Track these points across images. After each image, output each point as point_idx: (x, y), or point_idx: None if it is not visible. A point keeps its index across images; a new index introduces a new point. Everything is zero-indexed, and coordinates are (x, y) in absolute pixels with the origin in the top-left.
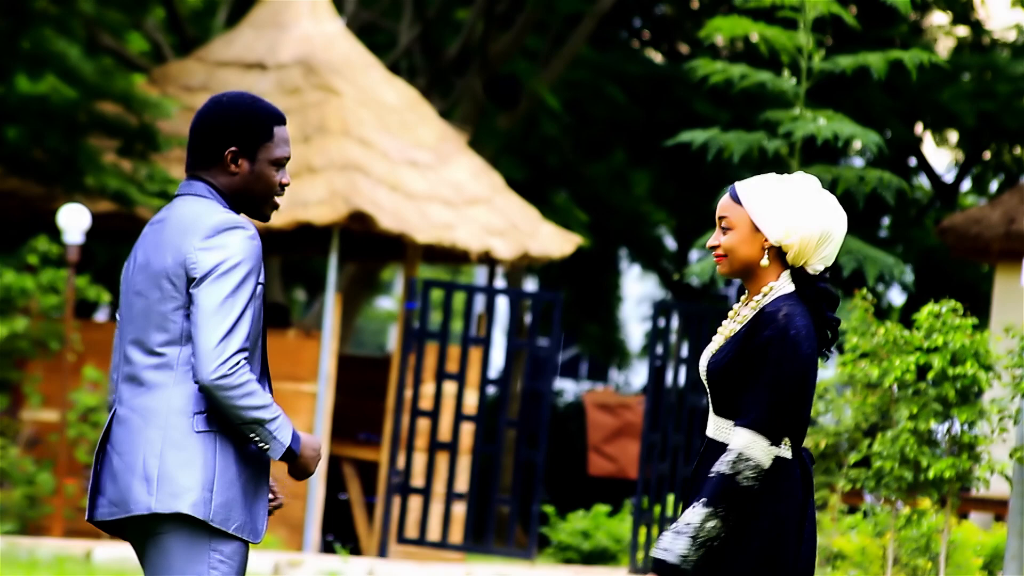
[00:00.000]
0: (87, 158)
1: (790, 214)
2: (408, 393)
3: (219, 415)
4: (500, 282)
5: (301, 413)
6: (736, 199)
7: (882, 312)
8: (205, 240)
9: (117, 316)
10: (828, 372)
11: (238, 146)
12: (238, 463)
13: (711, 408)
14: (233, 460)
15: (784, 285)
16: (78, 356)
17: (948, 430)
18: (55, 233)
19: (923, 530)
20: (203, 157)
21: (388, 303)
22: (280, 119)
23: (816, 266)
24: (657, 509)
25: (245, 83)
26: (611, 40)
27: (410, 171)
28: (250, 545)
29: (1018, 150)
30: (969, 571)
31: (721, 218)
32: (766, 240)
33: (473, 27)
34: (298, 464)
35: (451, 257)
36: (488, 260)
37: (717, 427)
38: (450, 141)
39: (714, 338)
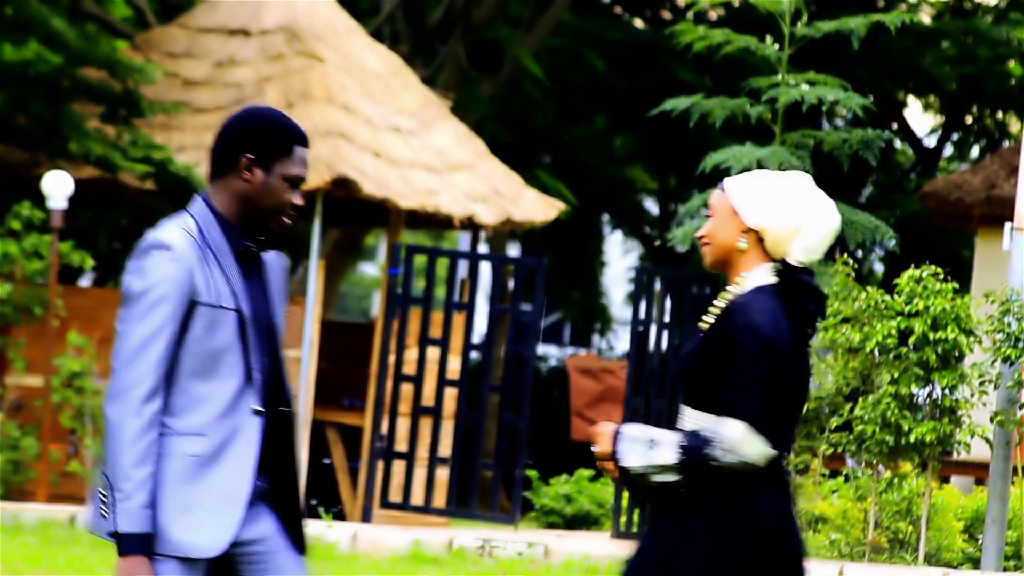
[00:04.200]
0: (71, 124)
1: (768, 199)
2: (391, 358)
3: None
4: (483, 248)
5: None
6: (723, 190)
7: (863, 278)
8: (131, 263)
9: None
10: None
11: (255, 155)
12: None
13: (683, 398)
14: (172, 479)
15: (760, 277)
16: (62, 321)
17: (929, 394)
18: (39, 199)
19: (904, 494)
20: (221, 161)
21: (371, 269)
22: (302, 140)
23: (798, 257)
24: None
25: (228, 49)
26: (593, 6)
27: (393, 137)
28: None
29: (999, 115)
30: (950, 534)
31: (709, 207)
32: (743, 223)
33: None
34: (121, 565)
35: (434, 223)
36: (471, 226)
37: (692, 420)
38: (433, 107)
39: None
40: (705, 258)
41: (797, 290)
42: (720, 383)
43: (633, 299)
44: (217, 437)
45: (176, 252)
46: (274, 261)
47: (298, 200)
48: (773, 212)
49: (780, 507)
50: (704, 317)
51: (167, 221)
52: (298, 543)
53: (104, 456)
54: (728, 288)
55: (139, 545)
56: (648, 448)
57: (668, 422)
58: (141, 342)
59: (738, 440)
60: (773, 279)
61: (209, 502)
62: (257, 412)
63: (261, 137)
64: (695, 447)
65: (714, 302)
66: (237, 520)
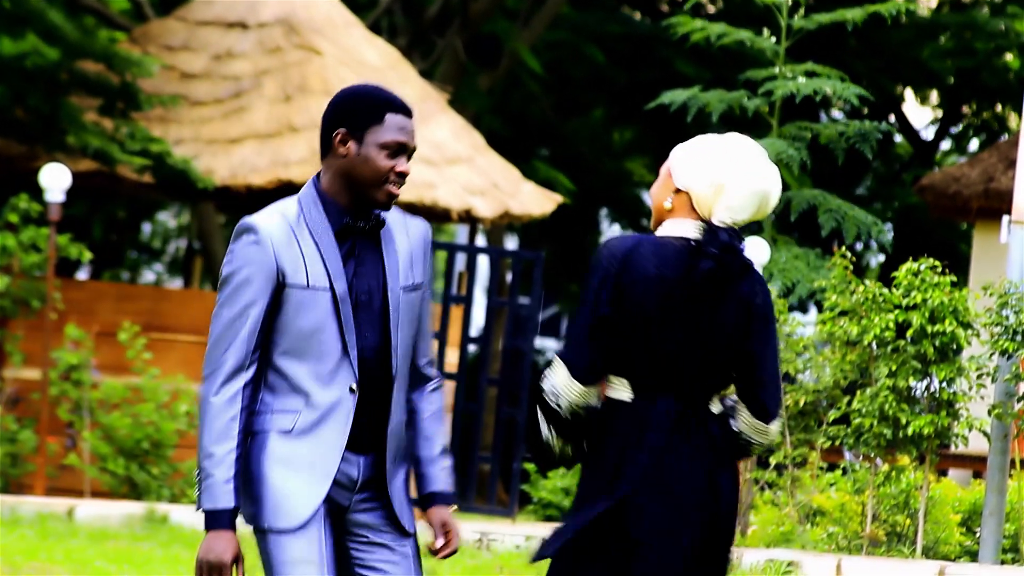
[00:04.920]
0: (68, 117)
1: (697, 160)
2: None
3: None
4: (481, 241)
5: None
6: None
7: (861, 271)
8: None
9: None
10: (808, 330)
11: (346, 128)
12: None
13: None
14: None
15: (671, 228)
16: (60, 314)
17: (927, 387)
18: (37, 192)
19: (902, 487)
20: (323, 143)
21: None
22: (397, 107)
23: (721, 217)
24: None
25: (226, 42)
26: (591, 0)
27: None
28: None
29: (997, 108)
30: (948, 527)
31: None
32: (673, 184)
33: None
34: (203, 541)
35: (432, 216)
36: (469, 219)
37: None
38: (431, 101)
39: None
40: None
41: (720, 248)
42: None
43: None
44: (312, 415)
45: (261, 235)
46: (406, 232)
47: (402, 167)
48: (698, 173)
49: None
50: None
51: (274, 204)
52: (403, 525)
53: (199, 435)
54: None
55: (220, 520)
56: (543, 418)
57: None
58: (226, 324)
59: (554, 375)
60: (691, 234)
61: (298, 475)
62: (352, 390)
63: (350, 110)
64: (535, 402)
65: None
66: (322, 493)
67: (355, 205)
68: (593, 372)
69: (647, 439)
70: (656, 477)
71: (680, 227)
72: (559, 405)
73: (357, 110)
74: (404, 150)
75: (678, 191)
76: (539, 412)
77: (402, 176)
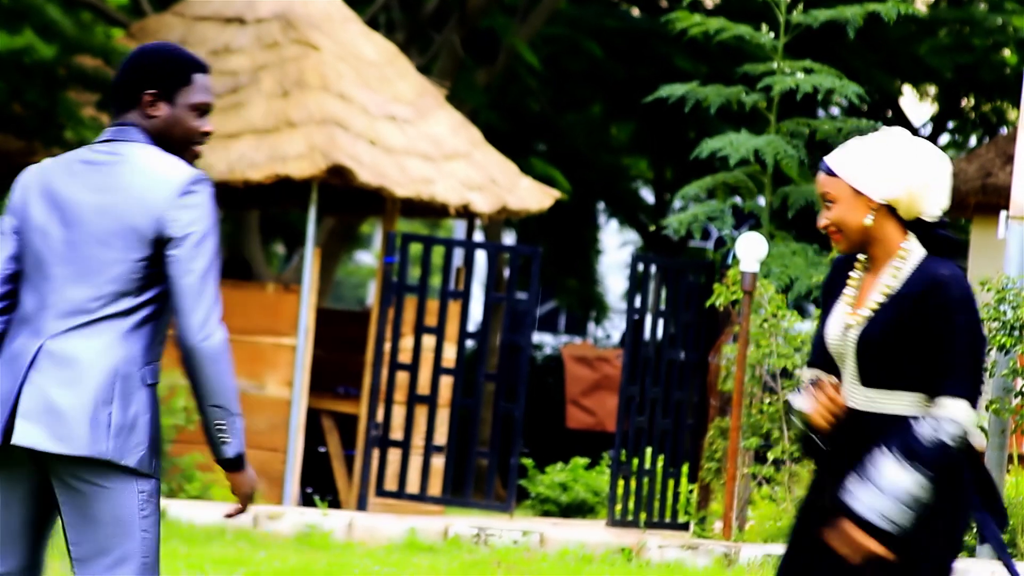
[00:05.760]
0: (66, 112)
1: (887, 168)
2: (387, 347)
3: (157, 371)
4: (479, 236)
5: (280, 367)
6: (830, 172)
7: None
8: (181, 197)
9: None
10: (805, 325)
11: (157, 89)
12: (158, 413)
13: (855, 378)
14: (157, 410)
15: (916, 244)
16: None
17: None
18: None
19: None
20: (125, 101)
21: (367, 257)
22: (201, 67)
23: (933, 213)
24: (635, 462)
25: (223, 38)
26: None
27: (389, 125)
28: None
29: (995, 103)
30: None
31: (823, 196)
32: (871, 201)
33: None
34: (242, 477)
35: (430, 211)
36: (467, 214)
37: (870, 399)
38: (429, 96)
39: (839, 308)
40: (838, 245)
41: (942, 247)
42: (917, 359)
43: (628, 287)
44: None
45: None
46: None
47: (207, 127)
48: (899, 181)
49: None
50: (873, 297)
51: (156, 153)
52: None
53: (210, 391)
54: (890, 262)
55: (242, 460)
56: (884, 495)
57: (663, 411)
58: (217, 278)
59: (964, 418)
60: (918, 242)
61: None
62: None
63: (160, 70)
64: (930, 451)
65: (856, 276)
66: None
67: None
68: None
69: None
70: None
71: (916, 241)
72: (961, 441)
73: (166, 71)
74: (208, 110)
75: (877, 206)
76: (951, 457)
77: (207, 135)
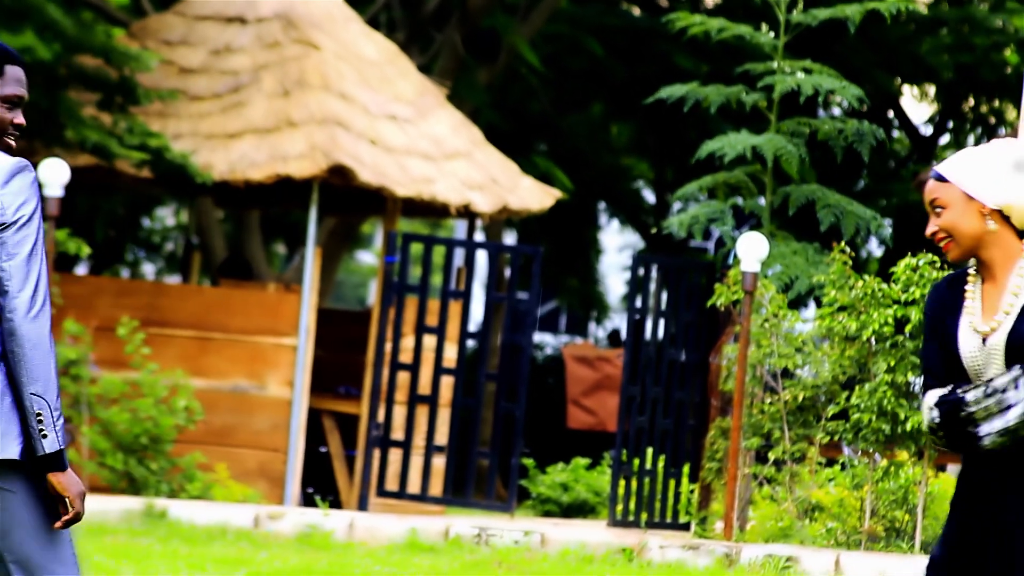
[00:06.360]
0: (67, 112)
1: (1001, 175)
2: (388, 347)
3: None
4: (479, 236)
5: (281, 367)
6: (941, 178)
7: (860, 266)
8: (5, 186)
9: None
10: (806, 326)
11: None
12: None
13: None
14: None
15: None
16: (58, 309)
17: None
18: None
19: (901, 482)
20: None
21: (368, 257)
22: (11, 59)
23: None
24: (636, 462)
25: (224, 37)
26: None
27: (390, 125)
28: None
29: (996, 103)
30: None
31: (932, 202)
32: (983, 206)
33: None
34: (65, 478)
35: (431, 211)
36: (468, 214)
37: None
38: (429, 95)
39: (966, 323)
40: (950, 253)
41: None
42: None
43: (629, 288)
44: None
45: (35, 172)
46: None
47: (18, 119)
48: (1011, 186)
49: None
50: (1006, 300)
51: None
52: None
53: (32, 376)
54: (1021, 266)
55: (61, 458)
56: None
57: (664, 411)
58: (42, 262)
59: None
60: None
61: None
62: None
63: None
64: None
65: (972, 281)
66: None
67: None
68: None
69: None
70: None
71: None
72: None
73: None
74: (22, 102)
75: (993, 211)
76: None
77: (18, 128)
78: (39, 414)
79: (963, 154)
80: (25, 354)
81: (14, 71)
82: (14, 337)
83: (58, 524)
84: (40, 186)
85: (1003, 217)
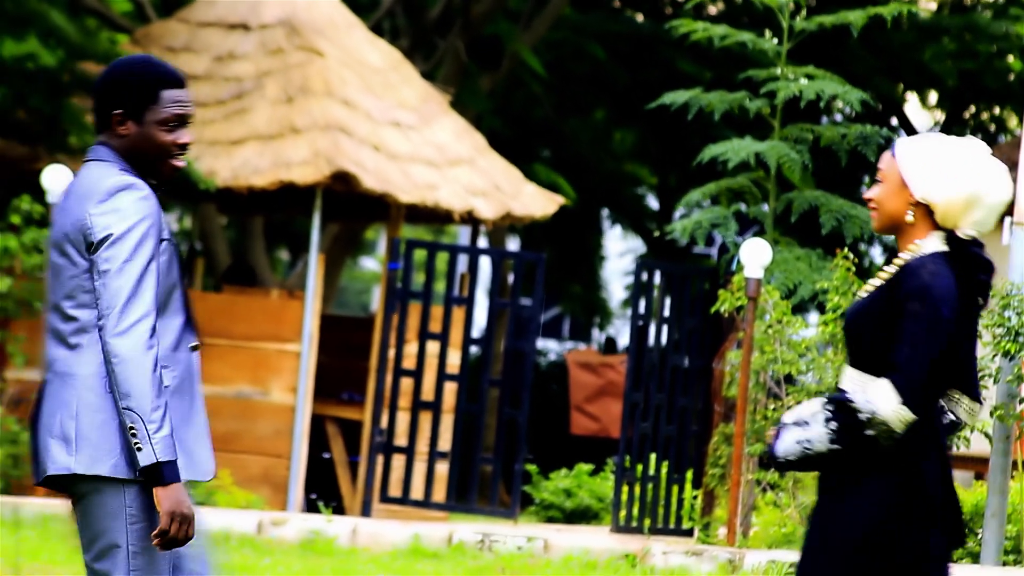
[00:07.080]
0: (70, 118)
1: (938, 172)
2: (391, 353)
3: None
4: (483, 242)
5: (285, 373)
6: (894, 154)
7: (864, 271)
8: (99, 204)
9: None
10: (810, 331)
11: (123, 109)
12: None
13: (848, 360)
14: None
15: (932, 244)
16: None
17: None
18: (39, 193)
19: None
20: (99, 121)
21: (371, 263)
22: (170, 82)
23: (968, 230)
24: (639, 468)
25: (228, 44)
26: (593, 1)
27: (393, 132)
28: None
29: (998, 110)
30: None
31: (878, 171)
32: (911, 196)
33: None
34: (163, 492)
35: (434, 217)
36: (471, 220)
37: (852, 379)
38: (433, 102)
39: (858, 293)
40: (873, 222)
41: (968, 261)
42: (887, 344)
43: (633, 294)
44: (177, 370)
45: (147, 192)
46: None
47: (183, 139)
48: (943, 186)
49: (939, 472)
50: (871, 280)
51: (101, 168)
52: None
53: (122, 391)
54: (901, 255)
55: (177, 472)
56: (796, 440)
57: (667, 417)
58: (138, 277)
59: (882, 402)
60: (944, 247)
61: (199, 430)
62: (194, 348)
63: (126, 90)
64: (845, 421)
65: (885, 267)
66: (210, 447)
67: (143, 177)
68: None
69: (942, 443)
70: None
71: (937, 243)
72: (874, 427)
73: (132, 90)
74: (184, 121)
75: (917, 203)
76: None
77: (184, 147)
78: (132, 428)
79: (923, 139)
80: (114, 369)
81: (171, 94)
82: (106, 353)
83: (154, 540)
84: (143, 203)
85: (928, 212)
